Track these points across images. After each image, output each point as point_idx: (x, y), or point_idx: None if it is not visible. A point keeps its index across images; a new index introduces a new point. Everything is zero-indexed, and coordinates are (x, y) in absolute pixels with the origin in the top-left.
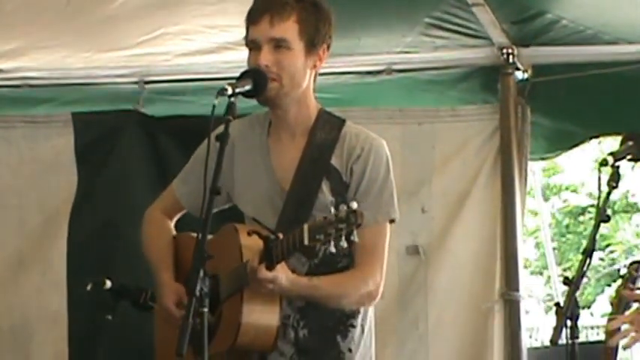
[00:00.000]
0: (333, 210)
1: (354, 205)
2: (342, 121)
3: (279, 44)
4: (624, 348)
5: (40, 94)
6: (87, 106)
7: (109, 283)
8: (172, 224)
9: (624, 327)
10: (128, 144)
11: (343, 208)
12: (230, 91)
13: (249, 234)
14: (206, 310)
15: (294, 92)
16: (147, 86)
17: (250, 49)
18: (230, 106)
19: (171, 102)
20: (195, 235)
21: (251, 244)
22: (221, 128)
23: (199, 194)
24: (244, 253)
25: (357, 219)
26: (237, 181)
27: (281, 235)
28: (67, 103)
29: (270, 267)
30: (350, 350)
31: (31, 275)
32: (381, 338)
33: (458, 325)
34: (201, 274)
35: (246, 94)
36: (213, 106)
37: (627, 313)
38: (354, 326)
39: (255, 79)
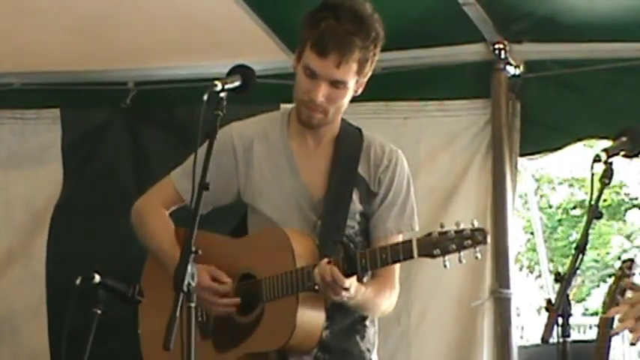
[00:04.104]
0: (452, 228)
1: (476, 222)
2: (360, 130)
3: (337, 84)
4: (631, 344)
5: (30, 94)
6: (77, 106)
7: (97, 278)
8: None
9: (617, 318)
10: (114, 139)
11: (463, 225)
12: (219, 87)
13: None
14: (193, 304)
15: (334, 118)
16: (137, 87)
17: (305, 73)
18: (219, 102)
19: (161, 103)
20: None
21: (302, 251)
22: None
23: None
24: (297, 258)
25: (485, 238)
26: (255, 180)
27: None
28: (56, 102)
29: (349, 275)
30: (368, 350)
31: (15, 269)
32: None
33: (442, 321)
34: (189, 269)
35: (235, 90)
36: (203, 102)
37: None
38: (367, 326)
39: (244, 76)
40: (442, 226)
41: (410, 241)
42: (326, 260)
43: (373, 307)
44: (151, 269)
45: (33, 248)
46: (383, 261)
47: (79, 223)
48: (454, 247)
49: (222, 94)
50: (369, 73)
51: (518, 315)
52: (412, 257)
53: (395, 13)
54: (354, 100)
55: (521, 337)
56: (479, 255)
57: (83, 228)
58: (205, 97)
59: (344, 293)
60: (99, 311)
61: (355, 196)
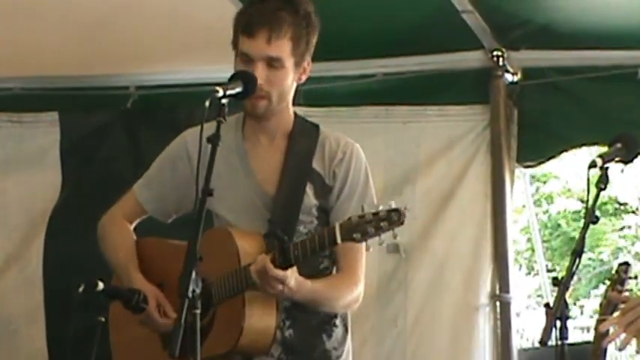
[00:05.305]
0: (369, 211)
1: (393, 203)
2: (317, 126)
3: (273, 63)
4: (619, 349)
5: (30, 99)
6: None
7: (101, 285)
8: (132, 229)
9: (612, 329)
10: (113, 142)
11: (380, 207)
12: (221, 93)
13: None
14: (198, 311)
15: (280, 106)
16: (138, 92)
17: (241, 60)
18: (221, 108)
19: (163, 106)
20: (156, 239)
21: (248, 248)
22: (212, 130)
23: (164, 198)
24: (242, 256)
25: (401, 217)
26: (212, 183)
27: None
28: (57, 108)
29: (285, 268)
30: (335, 349)
31: (12, 273)
32: (360, 335)
33: (438, 323)
34: (194, 275)
35: (236, 96)
36: (204, 108)
37: (615, 314)
38: (336, 325)
39: (245, 81)
40: (362, 210)
41: (334, 227)
42: (262, 255)
43: (327, 303)
44: (118, 282)
45: (30, 252)
46: (312, 250)
47: (76, 227)
48: (373, 230)
49: (223, 100)
50: (308, 56)
51: (517, 315)
52: (336, 243)
53: (396, 21)
54: (354, 104)
55: (522, 337)
56: (398, 238)
57: (81, 232)
58: (207, 103)
59: (280, 287)
60: (103, 319)
61: (310, 191)
